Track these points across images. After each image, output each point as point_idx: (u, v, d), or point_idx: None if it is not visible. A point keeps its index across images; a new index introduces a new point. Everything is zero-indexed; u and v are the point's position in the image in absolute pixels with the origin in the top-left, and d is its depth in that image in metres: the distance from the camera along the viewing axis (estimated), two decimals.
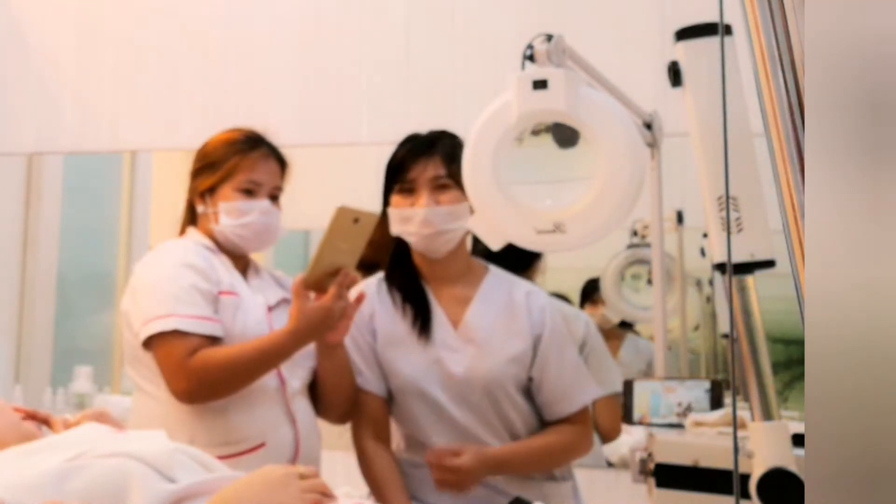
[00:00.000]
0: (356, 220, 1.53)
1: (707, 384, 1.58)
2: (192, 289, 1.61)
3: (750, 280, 1.28)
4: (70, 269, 3.11)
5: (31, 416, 1.28)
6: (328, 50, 2.68)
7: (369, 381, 1.71)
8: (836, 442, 0.55)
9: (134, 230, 3.13)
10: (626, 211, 1.41)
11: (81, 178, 3.15)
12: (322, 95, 2.67)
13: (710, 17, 1.25)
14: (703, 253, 2.41)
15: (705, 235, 1.44)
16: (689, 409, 1.55)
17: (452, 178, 1.68)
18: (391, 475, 1.68)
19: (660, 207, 1.90)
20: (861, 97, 0.55)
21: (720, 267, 1.36)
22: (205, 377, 1.57)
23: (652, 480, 1.34)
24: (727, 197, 1.30)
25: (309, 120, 2.65)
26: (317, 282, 1.56)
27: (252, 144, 1.74)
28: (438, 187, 1.68)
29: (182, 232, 1.79)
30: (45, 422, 1.29)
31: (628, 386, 1.61)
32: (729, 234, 1.30)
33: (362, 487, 1.74)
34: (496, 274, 1.78)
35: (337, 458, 1.80)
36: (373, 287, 1.75)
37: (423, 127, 1.79)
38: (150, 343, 1.60)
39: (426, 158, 1.68)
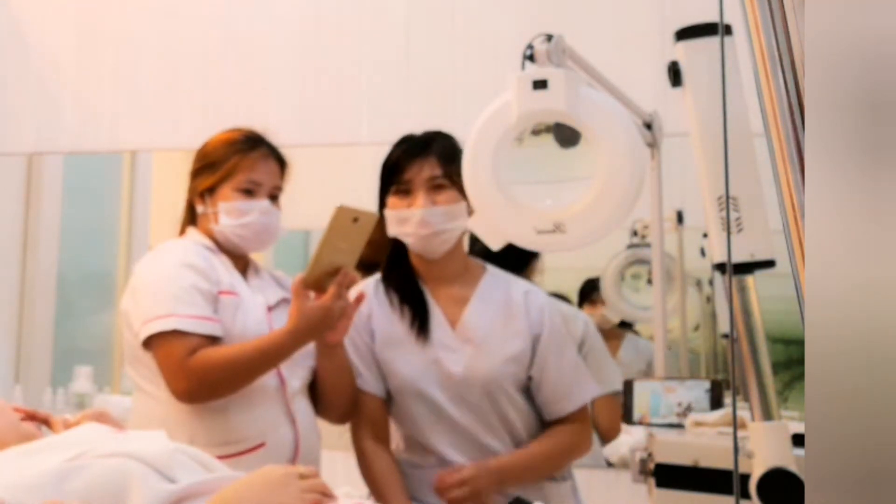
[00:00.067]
0: (355, 220, 1.53)
1: (707, 384, 1.58)
2: (191, 289, 1.61)
3: (750, 280, 1.28)
4: (70, 269, 3.11)
5: (31, 417, 1.28)
6: (328, 50, 2.68)
7: (368, 381, 1.71)
8: (836, 442, 0.55)
9: (134, 230, 3.13)
10: (626, 211, 1.41)
11: (81, 178, 3.15)
12: (322, 95, 2.67)
13: (710, 17, 1.25)
14: (703, 253, 2.41)
15: (705, 235, 1.44)
16: (689, 409, 1.55)
17: (448, 179, 1.68)
18: (391, 476, 1.68)
19: (660, 207, 1.90)
20: (861, 97, 0.55)
21: (720, 267, 1.36)
22: (204, 377, 1.57)
23: (652, 480, 1.34)
24: (727, 197, 1.30)
25: (309, 120, 2.65)
26: (316, 281, 1.56)
27: (252, 144, 1.74)
28: (435, 187, 1.68)
29: (182, 232, 1.79)
30: (44, 422, 1.29)
31: (628, 386, 1.61)
32: (729, 234, 1.30)
33: (362, 487, 1.74)
34: (494, 274, 1.78)
35: (337, 458, 1.80)
36: (370, 288, 1.75)
37: (424, 127, 1.79)
38: (149, 343, 1.60)
39: (422, 159, 1.68)
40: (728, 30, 1.28)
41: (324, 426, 1.77)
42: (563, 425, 1.73)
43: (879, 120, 0.55)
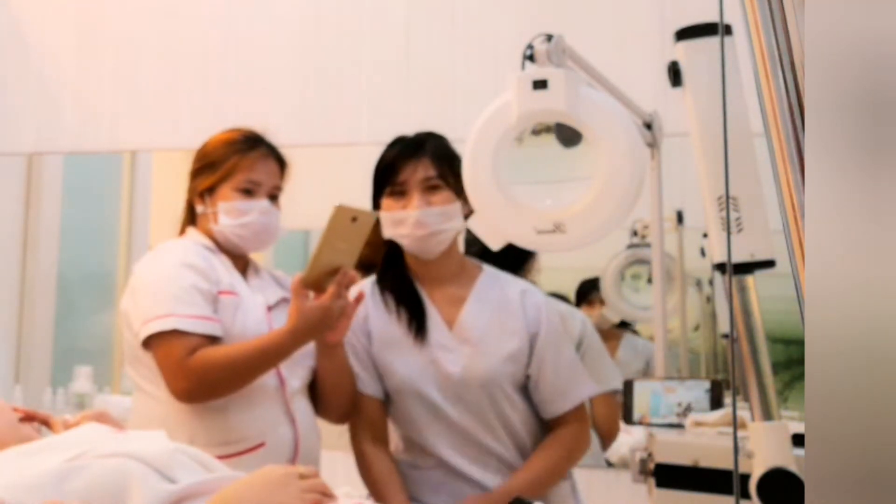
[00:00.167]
0: (354, 219, 1.53)
1: (707, 384, 1.58)
2: (191, 288, 1.61)
3: (750, 280, 1.28)
4: (70, 269, 3.11)
5: (31, 417, 1.28)
6: (328, 50, 2.68)
7: (366, 383, 1.71)
8: (836, 442, 0.55)
9: (134, 230, 3.14)
10: (626, 211, 1.41)
11: (81, 178, 3.15)
12: (322, 95, 2.67)
13: (710, 17, 1.25)
14: (703, 253, 2.42)
15: (705, 235, 1.44)
16: (689, 409, 1.55)
17: (442, 179, 1.68)
18: (390, 476, 1.68)
19: (660, 207, 1.90)
20: (861, 97, 0.55)
21: (720, 267, 1.36)
22: (204, 377, 1.57)
23: (652, 480, 1.34)
24: (727, 197, 1.30)
25: (309, 120, 2.65)
26: (316, 281, 1.56)
27: (251, 144, 1.74)
28: (429, 188, 1.68)
29: (182, 232, 1.79)
30: (44, 422, 1.29)
31: (628, 386, 1.61)
32: (729, 234, 1.30)
33: (362, 488, 1.74)
34: (490, 273, 1.78)
35: (337, 458, 1.80)
36: (367, 289, 1.75)
37: (424, 127, 1.79)
38: (149, 343, 1.60)
39: (416, 160, 1.68)
40: (728, 30, 1.28)
41: (324, 426, 1.77)
42: (562, 429, 1.72)
43: (879, 120, 0.55)
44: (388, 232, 1.68)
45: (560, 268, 2.67)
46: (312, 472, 1.11)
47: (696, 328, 2.63)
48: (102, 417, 1.29)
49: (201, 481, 1.08)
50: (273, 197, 1.75)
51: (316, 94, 2.67)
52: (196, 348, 1.57)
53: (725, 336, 2.51)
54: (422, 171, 1.67)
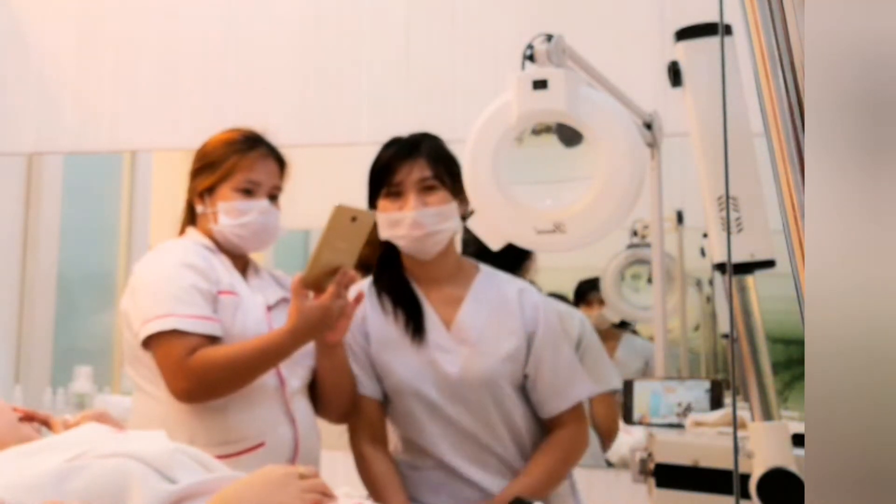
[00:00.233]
0: (354, 219, 1.53)
1: (707, 384, 1.58)
2: (191, 288, 1.61)
3: (750, 280, 1.28)
4: (70, 269, 3.11)
5: (31, 417, 1.28)
6: (328, 50, 2.68)
7: (364, 384, 1.71)
8: (836, 442, 0.55)
9: (134, 230, 3.14)
10: (626, 211, 1.41)
11: (81, 178, 3.15)
12: (322, 95, 2.67)
13: (710, 17, 1.25)
14: (703, 253, 2.41)
15: (705, 235, 1.44)
16: (689, 409, 1.55)
17: (438, 180, 1.68)
18: (390, 477, 1.68)
19: (660, 207, 1.90)
20: (861, 97, 0.55)
21: (720, 267, 1.36)
22: (204, 377, 1.57)
23: (652, 480, 1.34)
24: (727, 197, 1.30)
25: (309, 120, 2.66)
26: (315, 281, 1.56)
27: (251, 144, 1.74)
28: (425, 189, 1.67)
29: (182, 232, 1.79)
30: (44, 422, 1.29)
31: (628, 386, 1.61)
32: (729, 234, 1.30)
33: (362, 488, 1.74)
34: (487, 273, 1.78)
35: (337, 458, 1.80)
36: (364, 290, 1.75)
37: (424, 127, 1.79)
38: (149, 343, 1.60)
39: (411, 161, 1.68)
40: (728, 30, 1.28)
41: (324, 426, 1.77)
42: (560, 431, 1.72)
43: (879, 120, 0.55)
44: (384, 233, 1.68)
45: (560, 268, 2.67)
46: (312, 472, 1.11)
47: (696, 328, 2.63)
48: (102, 417, 1.29)
49: (201, 481, 1.08)
50: (273, 197, 1.75)
51: (316, 94, 2.67)
52: (196, 348, 1.57)
53: (725, 336, 2.51)
54: (417, 171, 1.67)
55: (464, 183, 1.44)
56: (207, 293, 1.63)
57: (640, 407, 1.59)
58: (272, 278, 1.81)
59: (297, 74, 2.69)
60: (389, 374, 1.70)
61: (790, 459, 1.17)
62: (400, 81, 2.60)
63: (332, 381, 1.70)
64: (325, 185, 2.10)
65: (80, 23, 2.87)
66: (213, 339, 1.60)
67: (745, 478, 1.19)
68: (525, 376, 1.72)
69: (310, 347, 1.67)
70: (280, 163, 1.77)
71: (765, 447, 1.19)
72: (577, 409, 1.73)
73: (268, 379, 1.63)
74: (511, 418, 1.70)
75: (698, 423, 1.47)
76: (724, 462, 1.28)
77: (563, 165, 1.59)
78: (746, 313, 1.27)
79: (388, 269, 1.75)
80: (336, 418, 1.75)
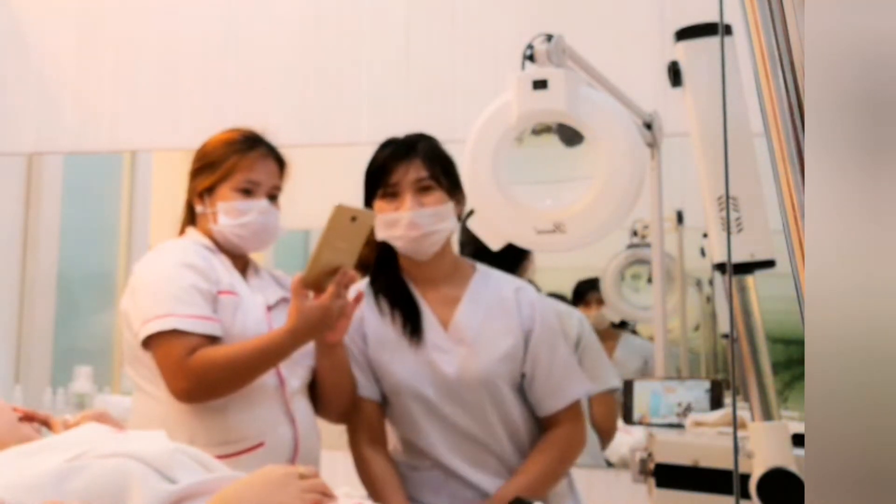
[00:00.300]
0: (354, 219, 1.53)
1: (707, 384, 1.58)
2: (191, 288, 1.61)
3: (750, 280, 1.28)
4: (70, 269, 3.11)
5: (31, 417, 1.28)
6: (328, 50, 2.68)
7: (363, 386, 1.71)
8: (836, 442, 0.55)
9: (134, 230, 3.14)
10: (626, 211, 1.41)
11: (81, 178, 3.15)
12: (322, 95, 2.67)
13: (710, 17, 1.25)
14: (703, 253, 2.42)
15: (705, 235, 1.44)
16: (689, 409, 1.55)
17: (434, 180, 1.68)
18: (389, 478, 1.68)
19: (660, 207, 1.90)
20: (861, 97, 0.55)
21: (720, 267, 1.36)
22: (204, 376, 1.57)
23: (652, 480, 1.34)
24: (727, 197, 1.30)
25: (309, 120, 2.66)
26: (315, 281, 1.56)
27: (250, 144, 1.74)
28: (421, 189, 1.67)
29: (181, 232, 1.79)
30: (44, 422, 1.29)
31: (628, 386, 1.61)
32: (729, 234, 1.30)
33: (362, 488, 1.74)
34: (484, 272, 1.78)
35: (337, 458, 1.80)
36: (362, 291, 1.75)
37: (424, 127, 1.79)
38: (149, 343, 1.60)
39: (407, 162, 1.68)
40: (728, 30, 1.28)
41: (324, 426, 1.77)
42: (557, 430, 1.72)
43: (879, 120, 0.55)
44: (381, 234, 1.68)
45: (560, 268, 2.67)
46: (312, 472, 1.11)
47: (696, 328, 2.63)
48: (102, 417, 1.29)
49: (201, 481, 1.08)
50: (272, 197, 1.75)
51: (316, 94, 2.67)
52: (196, 348, 1.57)
53: (725, 336, 2.51)
54: (413, 172, 1.67)
55: (464, 183, 1.44)
56: (207, 293, 1.63)
57: (640, 407, 1.59)
58: (272, 278, 1.81)
59: (297, 74, 2.69)
60: (387, 375, 1.70)
61: (790, 459, 1.18)
62: (400, 81, 2.60)
63: (332, 381, 1.70)
64: (325, 185, 2.10)
65: (80, 23, 2.87)
66: (212, 339, 1.60)
67: (745, 478, 1.19)
68: (522, 375, 1.72)
69: (310, 347, 1.66)
70: (280, 163, 1.77)
71: (765, 447, 1.19)
72: (573, 408, 1.73)
73: (268, 379, 1.63)
74: (509, 418, 1.70)
75: (698, 423, 1.47)
76: (724, 462, 1.28)
77: (563, 165, 1.59)
78: (746, 313, 1.27)
79: (385, 269, 1.75)
80: (336, 418, 1.75)
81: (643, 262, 2.56)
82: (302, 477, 1.09)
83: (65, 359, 2.98)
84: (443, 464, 1.68)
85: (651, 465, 1.34)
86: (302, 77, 2.68)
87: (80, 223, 3.16)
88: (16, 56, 2.90)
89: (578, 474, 1.86)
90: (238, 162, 1.71)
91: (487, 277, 1.77)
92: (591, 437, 2.44)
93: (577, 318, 2.39)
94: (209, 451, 1.24)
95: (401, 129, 1.77)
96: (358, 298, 1.61)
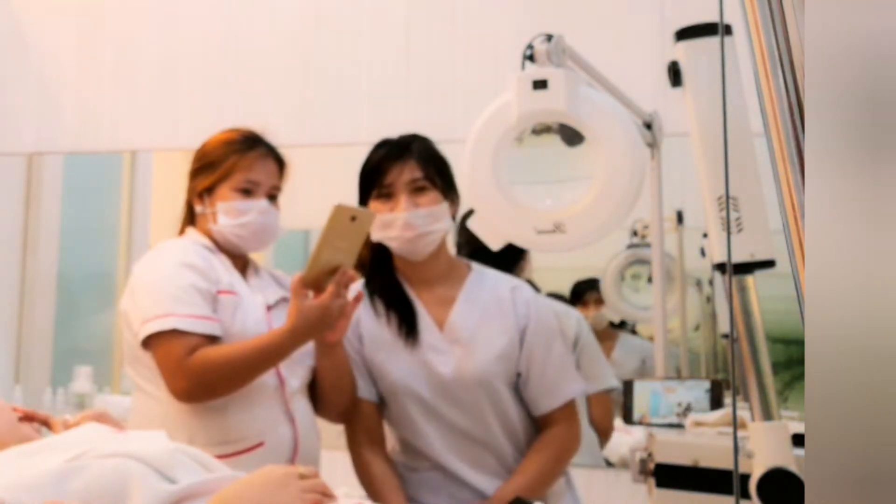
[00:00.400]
0: (353, 219, 1.53)
1: (707, 384, 1.58)
2: (190, 288, 1.61)
3: (750, 280, 1.28)
4: (70, 269, 3.11)
5: (31, 417, 1.28)
6: (328, 50, 2.68)
7: (360, 387, 1.71)
8: (836, 442, 0.55)
9: (134, 230, 3.14)
10: (626, 211, 1.41)
11: (81, 178, 3.15)
12: (322, 95, 2.67)
13: (710, 17, 1.25)
14: (703, 253, 2.42)
15: (705, 235, 1.45)
16: (689, 409, 1.55)
17: (429, 181, 1.68)
18: (388, 479, 1.68)
19: (660, 207, 1.90)
20: (861, 97, 0.55)
21: (720, 267, 1.36)
22: (203, 376, 1.56)
23: (652, 480, 1.34)
24: (727, 197, 1.30)
25: (309, 120, 2.66)
26: (315, 280, 1.56)
27: (250, 144, 1.74)
28: (416, 190, 1.67)
29: (181, 232, 1.79)
30: (44, 422, 1.29)
31: (628, 386, 1.61)
32: (729, 234, 1.30)
33: (361, 488, 1.74)
34: (480, 272, 1.78)
35: (337, 458, 1.80)
36: (362, 291, 1.75)
37: (423, 127, 1.79)
38: (148, 342, 1.60)
39: (402, 162, 1.68)
40: (728, 30, 1.28)
41: (324, 426, 1.77)
42: (552, 430, 1.71)
43: (879, 120, 0.55)
44: (376, 234, 1.68)
45: (559, 268, 2.67)
46: (312, 472, 1.11)
47: (696, 328, 2.63)
48: (102, 417, 1.29)
49: (201, 481, 1.08)
50: (272, 197, 1.75)
51: (316, 94, 2.67)
52: (195, 348, 1.57)
53: (725, 336, 2.51)
54: (408, 172, 1.67)
55: (464, 183, 1.44)
56: (207, 293, 1.63)
57: (640, 407, 1.59)
58: (272, 278, 1.81)
59: (297, 74, 2.69)
60: (383, 376, 1.70)
61: (790, 459, 1.18)
62: (400, 81, 2.60)
63: (332, 381, 1.70)
64: (325, 185, 2.10)
65: (80, 23, 2.87)
66: (212, 339, 1.60)
67: (745, 478, 1.19)
68: (518, 374, 1.72)
69: (309, 347, 1.66)
70: (279, 163, 1.77)
71: (765, 447, 1.19)
72: (568, 408, 1.73)
73: (267, 379, 1.63)
74: (507, 417, 1.70)
75: (698, 423, 1.47)
76: (724, 462, 1.28)
77: (563, 165, 1.59)
78: (746, 313, 1.27)
79: (381, 270, 1.75)
80: (336, 418, 1.75)
81: (643, 262, 2.56)
82: (302, 477, 1.09)
83: (65, 359, 2.98)
84: (441, 464, 1.68)
85: (651, 465, 1.34)
86: (302, 77, 2.68)
87: (80, 223, 3.17)
88: (16, 56, 2.90)
89: (578, 474, 1.86)
90: (237, 162, 1.71)
91: (483, 277, 1.77)
92: (591, 436, 2.44)
93: (576, 318, 2.40)
94: (209, 451, 1.24)
95: (401, 129, 1.77)
96: (358, 298, 1.61)
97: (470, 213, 1.77)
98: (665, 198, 1.90)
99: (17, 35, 2.91)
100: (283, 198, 1.78)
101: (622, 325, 2.69)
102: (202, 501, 1.04)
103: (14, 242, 2.97)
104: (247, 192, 1.71)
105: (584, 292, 2.67)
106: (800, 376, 2.36)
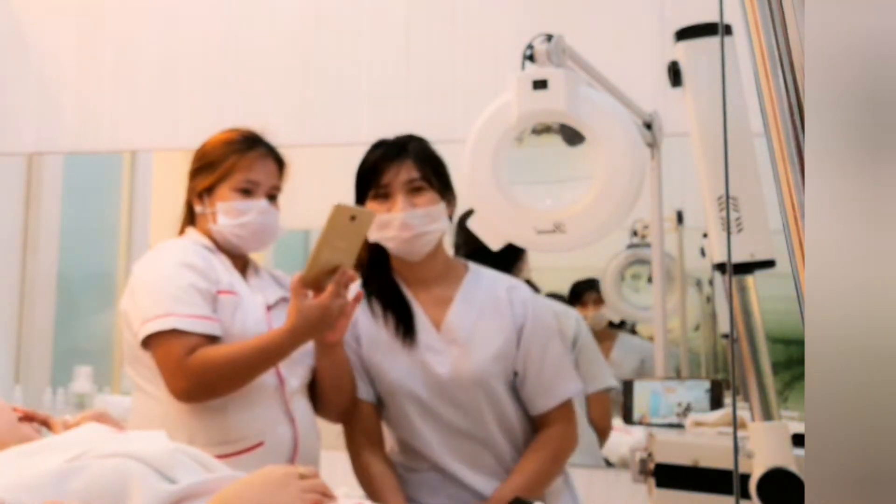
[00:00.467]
0: (353, 218, 1.53)
1: (707, 384, 1.58)
2: (190, 288, 1.61)
3: (750, 280, 1.28)
4: (70, 269, 3.11)
5: (31, 417, 1.28)
6: (328, 50, 2.68)
7: (358, 388, 1.71)
8: (836, 442, 0.55)
9: (134, 230, 3.14)
10: (626, 211, 1.41)
11: (81, 178, 3.15)
12: (322, 95, 2.67)
13: (710, 17, 1.25)
14: (703, 253, 2.42)
15: (705, 235, 1.44)
16: (688, 409, 1.55)
17: (426, 181, 1.68)
18: (387, 479, 1.68)
19: (660, 207, 1.90)
20: (861, 97, 0.55)
21: (720, 267, 1.36)
22: (203, 376, 1.57)
23: (652, 480, 1.34)
24: (727, 197, 1.30)
25: (309, 120, 2.66)
26: (315, 280, 1.56)
27: (249, 144, 1.74)
28: (413, 190, 1.67)
29: (181, 232, 1.79)
30: (44, 422, 1.29)
31: (628, 386, 1.60)
32: (729, 234, 1.30)
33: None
34: (477, 272, 1.77)
35: (337, 458, 1.80)
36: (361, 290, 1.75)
37: (423, 127, 1.79)
38: (148, 342, 1.60)
39: (398, 162, 1.68)
40: (728, 30, 1.28)
41: (323, 426, 1.77)
42: (549, 430, 1.71)
43: (879, 120, 0.55)
44: (373, 235, 1.68)
45: (559, 268, 2.67)
46: (312, 472, 1.11)
47: (696, 328, 2.63)
48: (102, 417, 1.29)
49: (201, 481, 1.08)
50: (272, 197, 1.75)
51: (316, 94, 2.67)
52: (195, 348, 1.57)
53: (725, 336, 2.51)
54: (405, 173, 1.67)
55: (464, 183, 1.44)
56: (206, 293, 1.63)
57: (640, 407, 1.59)
58: (272, 278, 1.81)
59: (297, 74, 2.69)
60: (381, 377, 1.70)
61: (790, 459, 1.18)
62: (400, 81, 2.60)
63: (332, 381, 1.70)
64: (325, 185, 2.10)
65: (80, 23, 2.87)
66: (212, 339, 1.60)
67: (745, 478, 1.19)
68: (515, 374, 1.72)
69: (309, 347, 1.66)
70: (279, 163, 1.77)
71: (765, 447, 1.19)
72: (565, 407, 1.73)
73: (267, 378, 1.63)
74: (504, 417, 1.70)
75: (698, 423, 1.47)
76: (724, 462, 1.28)
77: (563, 165, 1.59)
78: (746, 313, 1.27)
79: (377, 271, 1.75)
80: (336, 418, 1.75)
81: (643, 262, 2.56)
82: (302, 477, 1.09)
83: (65, 359, 2.98)
84: (439, 465, 1.68)
85: (651, 465, 1.34)
86: (302, 77, 2.68)
87: (80, 223, 3.16)
88: (16, 56, 2.90)
89: (578, 474, 1.86)
90: (237, 162, 1.71)
91: (480, 277, 1.77)
92: (592, 436, 2.44)
93: (574, 318, 2.40)
94: (209, 451, 1.24)
95: (401, 129, 1.77)
96: (357, 298, 1.61)
97: (469, 213, 1.77)
98: (665, 198, 1.90)
99: (17, 35, 2.91)
100: (283, 198, 1.78)
101: (621, 325, 2.69)
102: (202, 501, 1.04)
103: (14, 242, 2.97)
104: (246, 192, 1.71)
105: (582, 292, 2.67)
106: (800, 376, 2.36)
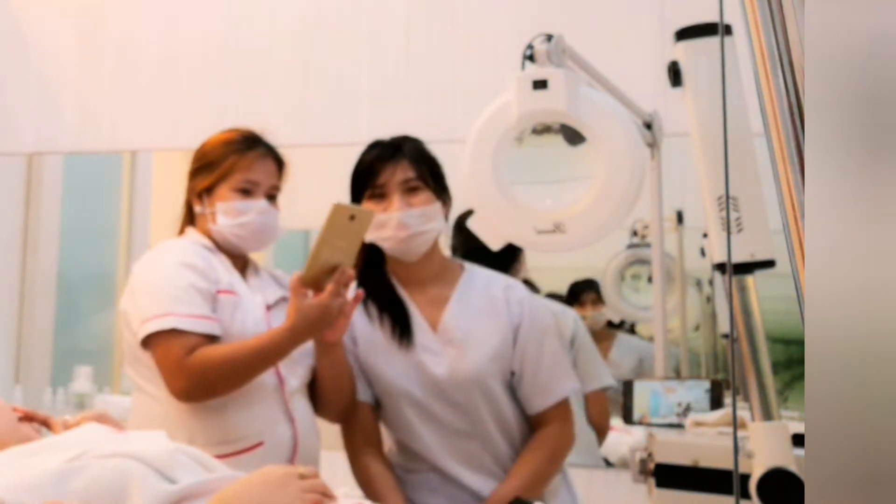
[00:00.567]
0: (352, 218, 1.53)
1: (707, 384, 1.58)
2: (190, 288, 1.61)
3: (750, 280, 1.28)
4: (70, 269, 3.11)
5: (31, 417, 1.28)
6: (328, 50, 2.68)
7: (356, 389, 1.71)
8: (836, 442, 0.55)
9: (134, 230, 3.14)
10: (626, 211, 1.41)
11: (81, 178, 3.15)
12: (322, 95, 2.67)
13: (710, 17, 1.25)
14: (703, 253, 2.42)
15: (705, 235, 1.44)
16: (688, 409, 1.55)
17: (422, 181, 1.68)
18: (386, 480, 1.68)
19: (660, 207, 1.90)
20: (861, 97, 0.55)
21: (720, 267, 1.36)
22: (203, 376, 1.57)
23: (652, 480, 1.34)
24: (727, 197, 1.30)
25: (309, 120, 2.66)
26: (314, 279, 1.56)
27: (249, 144, 1.74)
28: (409, 190, 1.67)
29: (181, 232, 1.79)
30: (44, 422, 1.29)
31: (628, 386, 1.60)
32: (729, 234, 1.30)
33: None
34: (473, 272, 1.77)
35: (337, 458, 1.80)
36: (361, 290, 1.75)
37: (423, 127, 1.79)
38: (148, 342, 1.60)
39: (394, 162, 1.68)
40: (728, 30, 1.28)
41: (323, 426, 1.77)
42: (546, 429, 1.71)
43: (879, 120, 0.55)
44: (369, 235, 1.67)
45: (559, 268, 2.67)
46: (312, 472, 1.11)
47: (696, 328, 2.63)
48: (102, 417, 1.29)
49: (201, 481, 1.08)
50: (271, 197, 1.75)
51: (316, 94, 2.67)
52: (195, 347, 1.57)
53: (725, 336, 2.51)
54: (401, 173, 1.67)
55: (464, 183, 1.44)
56: (206, 292, 1.63)
57: (640, 407, 1.59)
58: (271, 278, 1.81)
59: (297, 74, 2.69)
60: (378, 378, 1.70)
61: (790, 459, 1.18)
62: (400, 81, 2.60)
63: (332, 381, 1.70)
64: (325, 185, 2.10)
65: (80, 23, 2.87)
66: (212, 339, 1.60)
67: (745, 478, 1.19)
68: (512, 373, 1.71)
69: (309, 346, 1.66)
70: (278, 163, 1.77)
71: (765, 447, 1.19)
72: (562, 407, 1.72)
73: (267, 378, 1.63)
74: (502, 417, 1.70)
75: (698, 423, 1.47)
76: (724, 462, 1.28)
77: (563, 165, 1.60)
78: (746, 313, 1.27)
79: (373, 272, 1.75)
80: (335, 417, 1.75)
81: (643, 262, 2.56)
82: (302, 477, 1.09)
83: (65, 359, 2.98)
84: (438, 465, 1.68)
85: (651, 465, 1.34)
86: (302, 77, 2.68)
87: (80, 223, 3.16)
88: (16, 56, 2.90)
89: (577, 474, 1.86)
90: (237, 162, 1.71)
91: (476, 277, 1.76)
92: (590, 435, 2.44)
93: (573, 318, 2.40)
94: (209, 451, 1.24)
95: (401, 129, 1.77)
96: (357, 297, 1.61)
97: (466, 214, 1.77)
98: (665, 198, 1.90)
99: (17, 35, 2.91)
100: (283, 198, 1.78)
101: (619, 325, 2.69)
102: (202, 501, 1.04)
103: (14, 242, 2.97)
104: (246, 192, 1.71)
105: (581, 293, 2.67)
106: (800, 376, 2.36)
